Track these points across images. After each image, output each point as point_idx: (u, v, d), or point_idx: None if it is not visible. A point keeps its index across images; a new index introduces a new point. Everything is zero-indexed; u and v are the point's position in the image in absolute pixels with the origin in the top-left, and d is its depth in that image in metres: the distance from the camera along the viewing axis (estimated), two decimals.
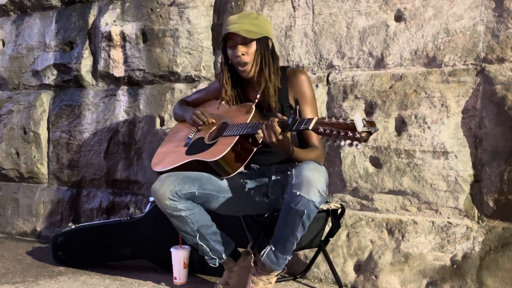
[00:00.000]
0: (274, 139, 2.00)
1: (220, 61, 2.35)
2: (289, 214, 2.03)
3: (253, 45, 2.22)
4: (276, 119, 2.00)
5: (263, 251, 2.15)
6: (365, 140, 1.76)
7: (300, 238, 2.10)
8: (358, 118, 1.75)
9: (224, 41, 2.27)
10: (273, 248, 2.12)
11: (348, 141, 1.77)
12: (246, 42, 2.21)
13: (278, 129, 1.98)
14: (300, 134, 2.24)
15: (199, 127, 2.42)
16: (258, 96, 2.28)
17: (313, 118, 1.89)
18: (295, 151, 2.11)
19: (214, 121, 2.39)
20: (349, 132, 1.76)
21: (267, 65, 2.23)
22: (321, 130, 1.84)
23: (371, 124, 1.76)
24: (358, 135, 1.75)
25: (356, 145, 1.76)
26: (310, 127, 1.87)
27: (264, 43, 2.24)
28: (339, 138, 1.79)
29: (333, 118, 1.84)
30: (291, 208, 2.00)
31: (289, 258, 2.15)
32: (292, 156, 2.12)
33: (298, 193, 1.97)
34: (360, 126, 1.74)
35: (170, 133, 2.62)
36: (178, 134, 2.52)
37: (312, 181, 1.97)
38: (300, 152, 2.13)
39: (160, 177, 2.21)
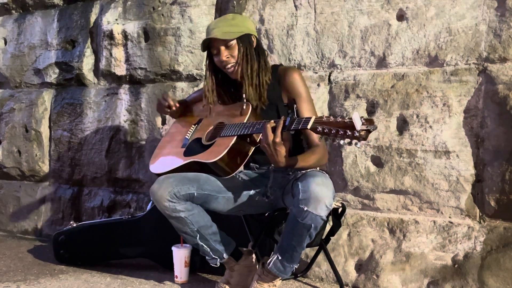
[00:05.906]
0: (267, 142, 1.96)
1: (205, 67, 2.34)
2: (296, 227, 2.02)
3: (235, 45, 2.21)
4: (271, 122, 1.98)
5: (270, 259, 2.15)
6: (364, 139, 1.74)
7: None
8: (356, 116, 1.74)
9: (208, 48, 2.26)
10: (279, 257, 2.11)
11: (347, 140, 1.76)
12: (227, 44, 2.20)
13: (271, 134, 1.94)
14: (299, 132, 2.21)
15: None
16: (244, 95, 2.24)
17: (311, 117, 1.87)
18: (295, 161, 2.06)
19: (178, 105, 2.48)
20: (348, 131, 1.75)
21: (249, 62, 2.21)
22: (320, 129, 1.82)
23: (369, 122, 1.75)
24: (357, 134, 1.74)
25: (356, 144, 1.75)
26: (309, 126, 1.85)
27: (245, 40, 2.22)
28: (338, 136, 1.78)
29: (331, 117, 1.82)
30: (298, 222, 1.99)
31: (296, 266, 2.15)
32: (293, 167, 2.09)
33: (305, 208, 1.95)
34: (358, 125, 1.73)
35: (167, 132, 2.61)
36: (175, 134, 2.51)
37: (320, 196, 1.95)
38: (300, 160, 2.09)
39: (158, 179, 2.20)
